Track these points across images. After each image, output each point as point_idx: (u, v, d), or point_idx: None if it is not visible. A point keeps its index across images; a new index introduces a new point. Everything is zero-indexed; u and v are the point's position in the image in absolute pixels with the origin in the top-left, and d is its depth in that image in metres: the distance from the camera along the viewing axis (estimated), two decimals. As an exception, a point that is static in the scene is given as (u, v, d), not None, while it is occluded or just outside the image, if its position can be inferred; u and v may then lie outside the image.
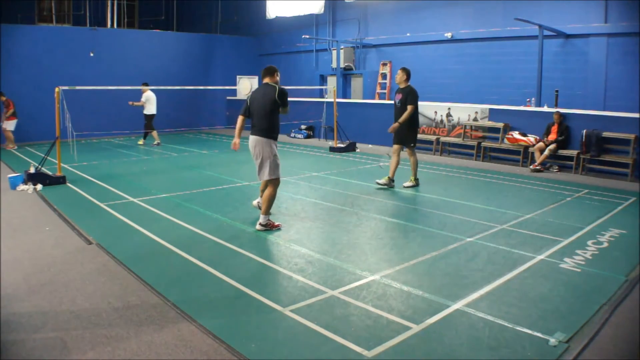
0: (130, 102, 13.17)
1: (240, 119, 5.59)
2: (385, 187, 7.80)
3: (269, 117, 5.40)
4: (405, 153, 7.99)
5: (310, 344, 3.09)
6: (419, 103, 7.67)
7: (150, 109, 13.19)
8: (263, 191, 5.74)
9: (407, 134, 7.77)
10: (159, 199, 7.10)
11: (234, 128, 5.76)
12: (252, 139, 5.45)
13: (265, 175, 5.42)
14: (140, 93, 13.29)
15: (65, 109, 8.41)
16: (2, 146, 12.77)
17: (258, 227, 5.49)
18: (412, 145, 7.88)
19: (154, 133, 13.48)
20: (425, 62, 14.27)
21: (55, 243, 5.09)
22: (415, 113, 7.66)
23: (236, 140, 5.71)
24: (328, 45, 16.83)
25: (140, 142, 13.79)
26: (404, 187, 7.88)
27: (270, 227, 5.49)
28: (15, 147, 12.79)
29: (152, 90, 13.19)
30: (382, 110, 12.80)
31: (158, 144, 13.42)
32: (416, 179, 8.00)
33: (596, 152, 9.44)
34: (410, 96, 7.58)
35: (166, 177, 9.00)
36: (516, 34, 12.07)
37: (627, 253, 4.86)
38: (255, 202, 6.27)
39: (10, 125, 12.69)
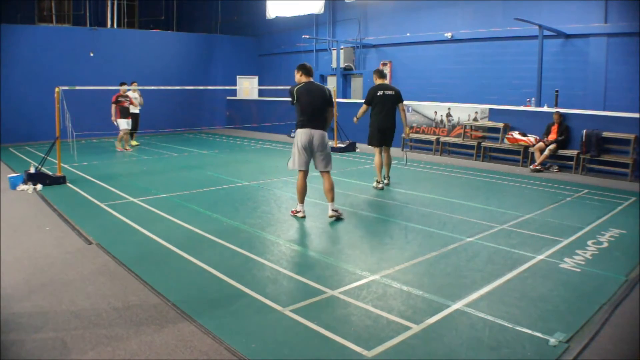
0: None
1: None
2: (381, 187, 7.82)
3: (324, 113, 5.90)
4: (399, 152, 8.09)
5: (310, 344, 3.09)
6: (419, 103, 7.64)
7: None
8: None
9: None
10: (159, 199, 7.10)
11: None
12: (318, 132, 5.81)
13: (330, 166, 5.99)
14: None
15: (65, 109, 8.41)
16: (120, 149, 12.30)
17: (332, 213, 5.92)
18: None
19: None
20: (425, 62, 14.27)
21: (55, 243, 5.09)
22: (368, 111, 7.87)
23: None
24: (328, 45, 16.82)
25: (134, 142, 13.62)
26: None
27: (338, 213, 5.98)
28: (130, 150, 12.33)
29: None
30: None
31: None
32: (378, 181, 7.83)
33: (596, 152, 9.44)
34: None
35: (166, 177, 9.00)
36: (516, 34, 12.06)
37: (627, 253, 4.86)
38: (302, 213, 6.09)
39: (121, 123, 12.09)
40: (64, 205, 6.66)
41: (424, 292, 3.86)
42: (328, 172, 5.96)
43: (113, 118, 12.03)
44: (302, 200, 6.03)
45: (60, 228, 5.65)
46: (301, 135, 5.79)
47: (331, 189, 5.93)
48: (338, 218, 5.93)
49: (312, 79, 5.93)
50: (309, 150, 5.81)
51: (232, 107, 18.87)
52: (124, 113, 12.02)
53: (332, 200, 5.94)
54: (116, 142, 12.69)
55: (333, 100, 5.83)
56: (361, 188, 7.90)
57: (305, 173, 5.93)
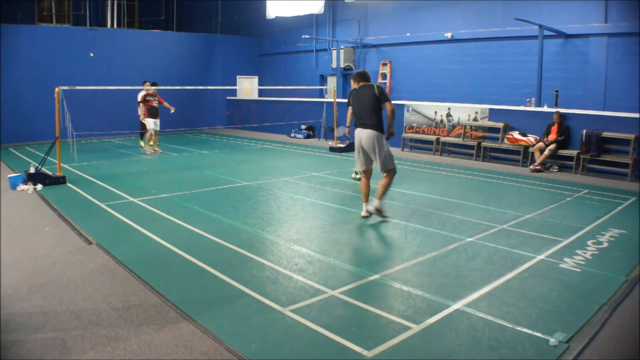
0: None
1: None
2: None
3: (376, 111, 5.86)
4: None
5: (310, 344, 3.09)
6: (419, 103, 7.59)
7: None
8: (366, 193, 6.09)
9: None
10: (159, 199, 7.10)
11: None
12: (366, 131, 5.84)
13: (387, 166, 5.85)
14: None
15: (65, 109, 8.40)
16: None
17: (371, 208, 5.90)
18: None
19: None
20: (425, 62, 14.27)
21: (55, 243, 5.09)
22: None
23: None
24: (328, 45, 16.82)
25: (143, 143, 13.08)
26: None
27: (381, 213, 5.89)
28: (151, 152, 11.86)
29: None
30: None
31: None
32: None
33: (596, 152, 9.44)
34: None
35: (166, 177, 9.00)
36: (516, 34, 12.06)
37: (627, 253, 4.86)
38: (365, 212, 6.07)
39: (148, 123, 11.78)
40: (64, 205, 6.66)
41: (424, 292, 3.86)
42: (388, 171, 5.83)
43: (142, 117, 11.76)
44: (365, 200, 6.10)
45: (60, 228, 5.65)
46: (355, 135, 6.02)
47: (386, 187, 5.84)
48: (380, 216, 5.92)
49: (366, 83, 6.05)
50: (362, 150, 5.94)
51: (232, 107, 18.87)
52: (152, 113, 11.70)
53: (379, 197, 5.84)
54: (145, 145, 12.20)
55: (385, 95, 5.84)
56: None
57: (367, 173, 6.05)
